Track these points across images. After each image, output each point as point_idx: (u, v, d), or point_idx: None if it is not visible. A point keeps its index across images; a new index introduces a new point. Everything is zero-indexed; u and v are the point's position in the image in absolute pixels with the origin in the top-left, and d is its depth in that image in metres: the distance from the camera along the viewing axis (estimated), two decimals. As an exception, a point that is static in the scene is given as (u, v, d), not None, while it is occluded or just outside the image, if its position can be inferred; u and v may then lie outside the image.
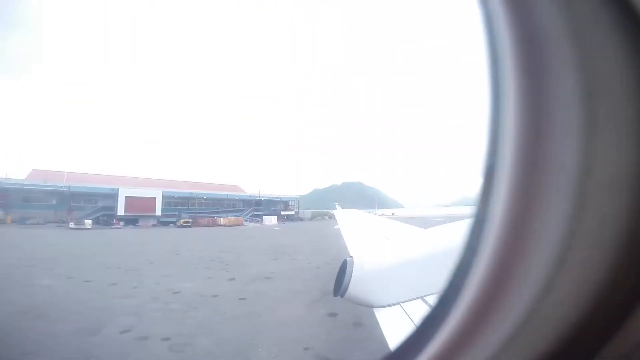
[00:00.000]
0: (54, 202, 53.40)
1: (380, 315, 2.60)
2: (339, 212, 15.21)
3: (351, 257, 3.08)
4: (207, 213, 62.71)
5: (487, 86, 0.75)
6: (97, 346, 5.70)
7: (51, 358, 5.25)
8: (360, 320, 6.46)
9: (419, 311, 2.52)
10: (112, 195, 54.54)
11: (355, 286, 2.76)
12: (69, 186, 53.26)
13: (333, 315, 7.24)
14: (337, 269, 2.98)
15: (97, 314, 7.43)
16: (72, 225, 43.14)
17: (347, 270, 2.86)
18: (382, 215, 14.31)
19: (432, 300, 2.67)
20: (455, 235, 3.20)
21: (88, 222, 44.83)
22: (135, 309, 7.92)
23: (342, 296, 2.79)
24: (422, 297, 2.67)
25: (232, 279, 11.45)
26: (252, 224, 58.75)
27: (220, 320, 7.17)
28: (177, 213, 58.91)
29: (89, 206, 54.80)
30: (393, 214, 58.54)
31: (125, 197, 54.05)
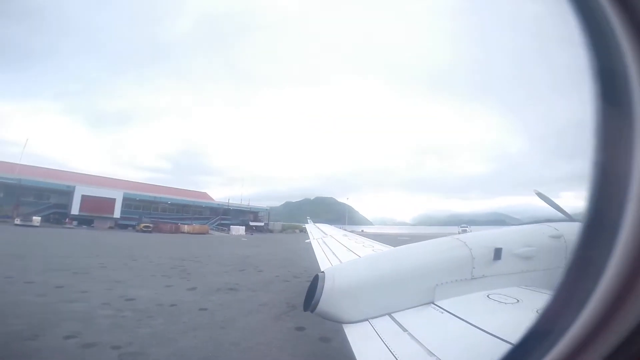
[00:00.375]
0: (1, 195, 48.83)
1: (349, 330, 2.60)
2: (310, 226, 15.12)
3: (322, 272, 3.08)
4: (170, 219, 59.99)
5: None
6: (36, 351, 5.08)
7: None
8: (328, 335, 6.30)
9: (386, 327, 2.54)
10: (67, 193, 50.94)
11: (326, 301, 2.76)
12: (20, 179, 49.03)
13: (301, 329, 7.00)
14: (303, 281, 2.97)
15: (38, 317, 6.67)
16: (17, 221, 39.47)
17: (319, 285, 2.86)
18: (352, 231, 14.39)
19: (400, 316, 2.73)
20: (423, 254, 3.33)
21: (37, 219, 41.21)
22: (83, 314, 7.21)
23: (312, 311, 2.79)
24: (389, 314, 2.71)
25: (193, 289, 10.85)
26: (218, 234, 56.80)
27: (177, 330, 6.68)
28: (137, 217, 55.88)
29: (40, 202, 50.58)
30: (362, 231, 59.13)
31: (82, 195, 50.70)
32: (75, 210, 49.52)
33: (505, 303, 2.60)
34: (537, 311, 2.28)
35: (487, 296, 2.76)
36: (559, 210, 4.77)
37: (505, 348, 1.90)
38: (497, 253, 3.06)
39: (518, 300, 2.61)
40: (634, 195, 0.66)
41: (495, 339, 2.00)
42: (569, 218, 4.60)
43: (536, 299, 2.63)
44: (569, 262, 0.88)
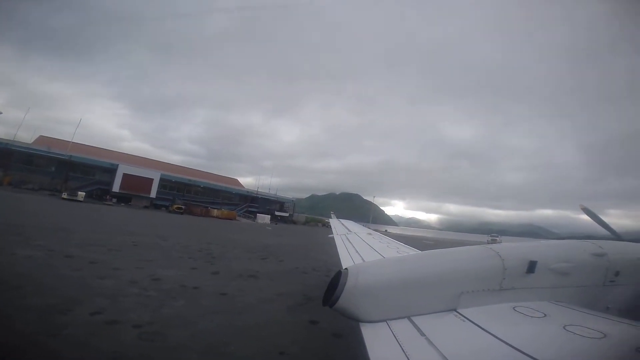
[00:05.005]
0: (53, 169, 53.31)
1: (366, 329, 2.58)
2: (334, 221, 15.02)
3: (346, 269, 3.08)
4: (201, 202, 62.42)
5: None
6: (64, 325, 5.44)
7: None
8: (341, 331, 6.25)
9: (404, 330, 2.50)
10: (111, 170, 54.45)
11: (346, 298, 2.76)
12: (70, 155, 53.09)
13: (314, 322, 7.00)
14: (322, 275, 2.98)
15: (72, 292, 7.17)
16: (64, 195, 42.80)
17: (341, 281, 2.87)
18: (376, 230, 14.11)
19: (420, 320, 2.68)
20: (452, 261, 3.19)
21: (81, 194, 44.48)
22: (112, 291, 7.65)
23: (331, 306, 2.80)
24: (409, 317, 2.67)
25: (216, 273, 11.19)
26: (245, 220, 58.41)
27: (197, 313, 6.91)
28: (171, 198, 58.63)
29: (86, 178, 54.56)
30: (386, 231, 58.35)
31: (124, 173, 53.91)
32: (116, 187, 52.83)
33: (532, 317, 2.52)
34: (563, 327, 2.20)
35: (513, 308, 2.68)
36: (605, 228, 4.46)
37: None
38: (531, 266, 2.95)
39: (545, 315, 2.52)
40: None
41: (516, 351, 1.93)
42: (615, 236, 4.33)
43: (563, 315, 2.55)
44: None
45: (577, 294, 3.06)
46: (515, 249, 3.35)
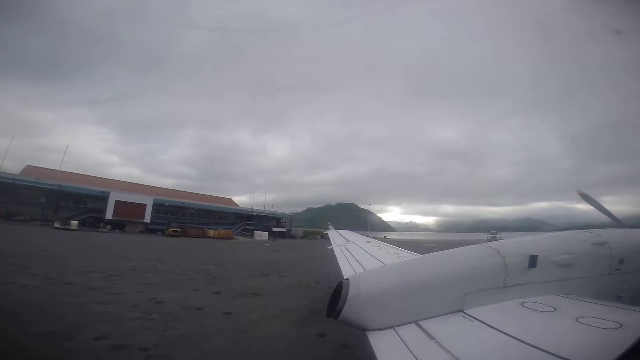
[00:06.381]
0: (43, 200, 52.32)
1: (374, 338, 2.56)
2: (332, 233, 15.06)
3: (347, 279, 3.07)
4: (197, 224, 61.74)
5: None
6: (68, 351, 5.38)
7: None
8: (349, 342, 6.23)
9: (412, 335, 2.48)
10: (103, 198, 53.76)
11: (350, 308, 2.74)
12: (60, 185, 52.31)
13: (322, 335, 6.96)
14: (325, 288, 2.97)
15: (73, 318, 7.07)
16: (57, 224, 41.96)
17: (343, 292, 2.85)
18: (375, 237, 14.18)
19: (427, 324, 2.66)
20: (453, 262, 3.22)
21: (74, 223, 43.63)
22: (115, 316, 7.55)
23: (335, 317, 2.78)
24: (416, 322, 2.65)
25: (218, 292, 11.08)
26: (242, 239, 57.79)
27: (202, 333, 6.84)
28: (166, 221, 57.98)
29: (78, 207, 53.71)
30: (385, 237, 58.19)
31: (116, 201, 53.32)
32: (109, 214, 52.11)
33: (541, 312, 2.47)
34: (576, 319, 2.16)
35: (521, 304, 2.65)
36: (605, 214, 4.38)
37: (541, 357, 1.81)
38: (533, 261, 2.95)
39: (555, 309, 2.48)
40: None
41: (530, 347, 1.90)
42: (616, 222, 4.31)
43: (575, 307, 2.50)
44: None
45: (584, 285, 3.01)
46: (514, 245, 3.38)
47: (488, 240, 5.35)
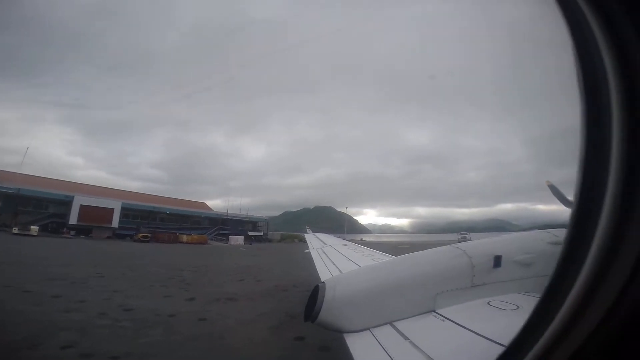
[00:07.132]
0: (0, 204, 48.50)
1: (351, 340, 2.63)
2: (310, 236, 15.07)
3: (323, 282, 3.12)
4: (168, 229, 59.56)
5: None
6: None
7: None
8: (328, 344, 6.26)
9: (388, 336, 2.57)
10: (66, 202, 50.72)
11: (327, 312, 2.80)
12: (19, 188, 48.80)
13: (300, 339, 6.95)
14: (302, 291, 2.99)
15: (36, 327, 6.62)
16: (15, 230, 39.08)
17: (319, 295, 2.90)
18: (352, 240, 14.33)
19: (402, 325, 2.77)
20: (423, 264, 3.36)
21: (34, 229, 40.82)
22: (81, 324, 7.15)
23: (312, 321, 2.82)
24: (391, 323, 2.74)
25: (192, 299, 10.77)
26: (217, 243, 56.38)
27: (176, 340, 6.63)
28: (135, 227, 55.53)
29: (39, 212, 50.29)
30: (362, 240, 58.78)
31: (80, 205, 50.49)
32: (73, 219, 49.25)
33: (506, 310, 2.63)
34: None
35: (488, 303, 2.79)
36: (569, 207, 4.64)
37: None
38: (497, 261, 3.10)
39: (518, 307, 2.64)
40: (609, 198, 0.72)
41: (496, 345, 2.02)
42: None
43: (534, 304, 2.68)
44: (557, 263, 0.94)
45: (542, 282, 3.26)
46: (480, 246, 3.56)
47: (458, 241, 5.54)
